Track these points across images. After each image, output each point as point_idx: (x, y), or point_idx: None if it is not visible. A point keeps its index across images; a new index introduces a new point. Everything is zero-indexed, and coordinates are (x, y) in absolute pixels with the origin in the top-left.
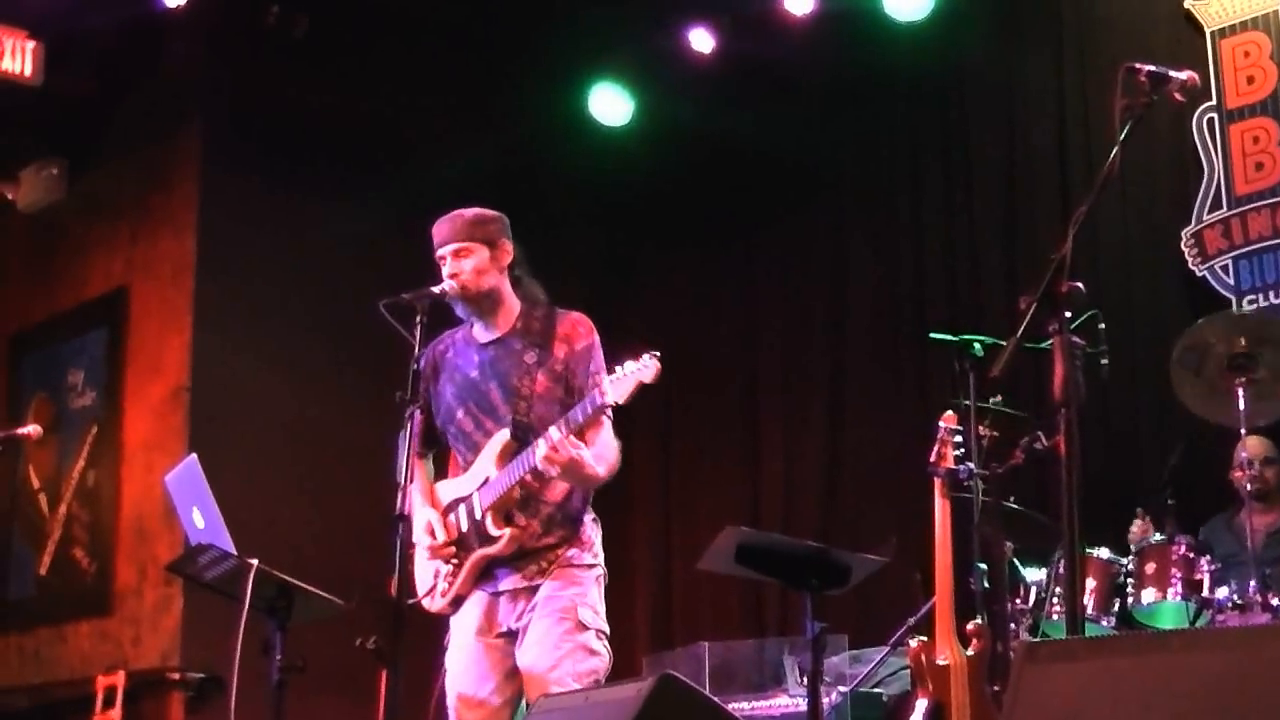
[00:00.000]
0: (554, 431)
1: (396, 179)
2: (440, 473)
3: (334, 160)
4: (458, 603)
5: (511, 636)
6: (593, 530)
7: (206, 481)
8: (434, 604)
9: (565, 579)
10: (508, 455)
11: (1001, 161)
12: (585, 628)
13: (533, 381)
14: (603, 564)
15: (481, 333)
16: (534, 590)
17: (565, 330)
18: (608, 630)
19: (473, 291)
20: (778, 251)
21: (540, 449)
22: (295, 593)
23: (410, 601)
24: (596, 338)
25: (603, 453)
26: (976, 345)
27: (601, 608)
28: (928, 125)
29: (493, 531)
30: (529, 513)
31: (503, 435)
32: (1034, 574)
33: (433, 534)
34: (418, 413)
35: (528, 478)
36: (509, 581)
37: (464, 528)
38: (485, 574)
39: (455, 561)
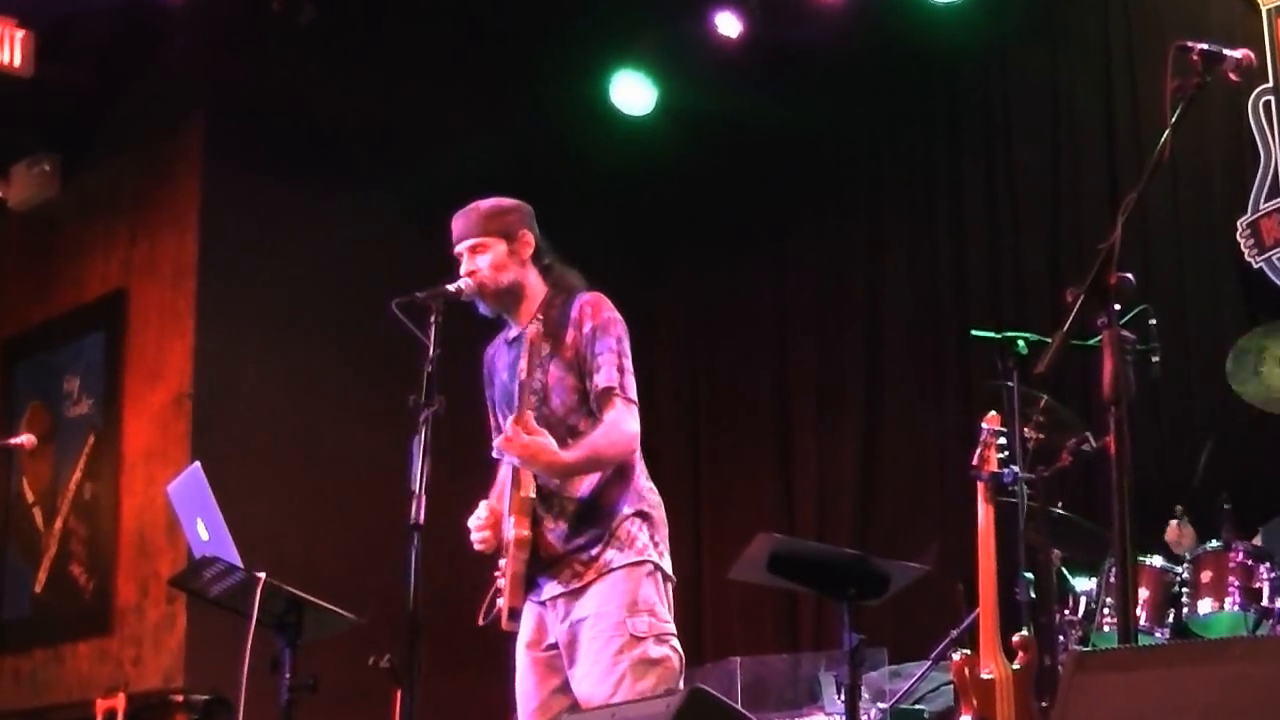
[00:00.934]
0: (507, 422)
1: (409, 173)
2: None
3: (344, 154)
4: (515, 616)
5: (559, 649)
6: (635, 526)
7: (211, 492)
8: (505, 623)
9: (607, 588)
10: None
11: (1046, 147)
12: (639, 639)
13: (545, 374)
14: (654, 556)
15: (510, 329)
16: (574, 596)
17: (576, 315)
18: (671, 628)
19: (490, 289)
20: (810, 245)
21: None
22: (305, 607)
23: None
24: (609, 315)
25: (595, 439)
26: (1020, 342)
27: (660, 605)
28: (967, 110)
29: (508, 536)
30: (554, 512)
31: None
32: (1083, 583)
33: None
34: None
35: (542, 477)
36: (549, 589)
37: (505, 536)
38: (531, 583)
39: (501, 575)
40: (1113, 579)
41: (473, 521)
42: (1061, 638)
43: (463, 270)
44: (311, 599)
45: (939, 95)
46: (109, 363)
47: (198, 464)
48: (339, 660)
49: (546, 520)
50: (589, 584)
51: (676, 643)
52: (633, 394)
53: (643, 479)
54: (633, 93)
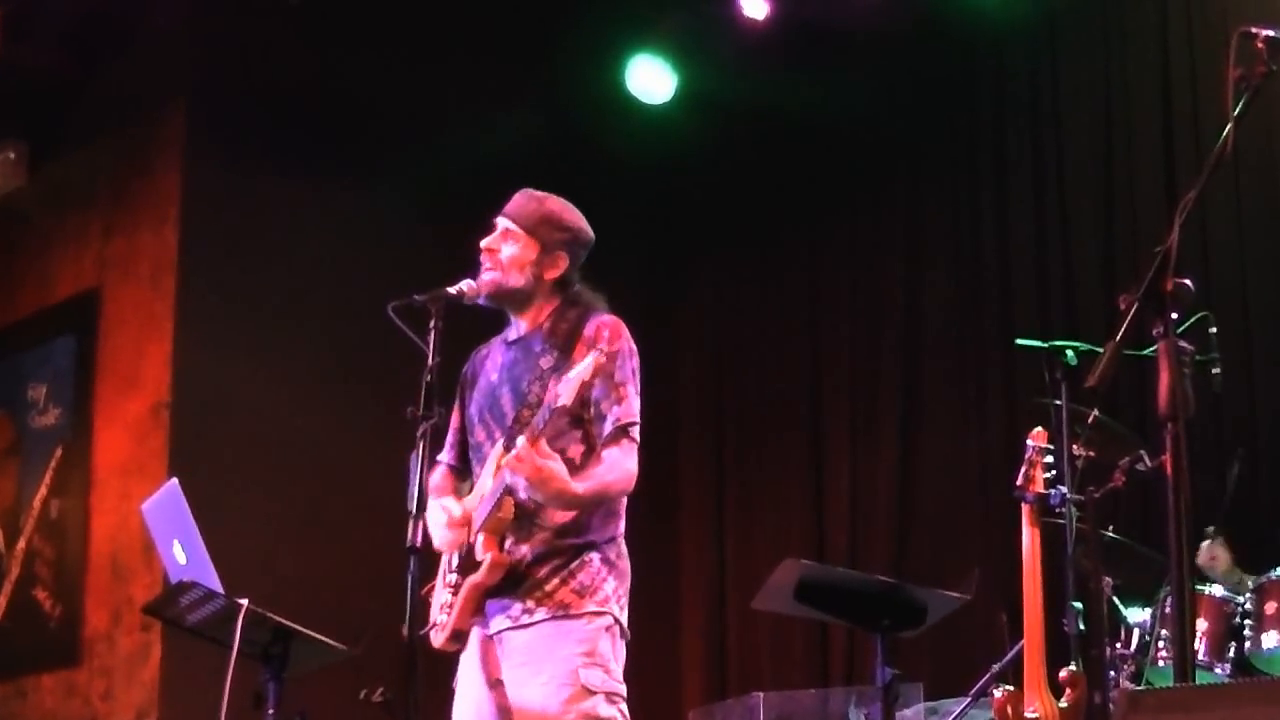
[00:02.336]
0: (521, 440)
1: (410, 165)
2: None
3: (339, 144)
4: (459, 638)
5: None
6: (600, 573)
7: (190, 510)
8: (436, 639)
9: (561, 633)
10: None
11: (1098, 140)
12: (590, 692)
13: (543, 388)
14: (617, 617)
15: (511, 331)
16: (522, 632)
17: (591, 334)
18: (622, 690)
19: (494, 278)
20: (843, 245)
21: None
22: (292, 636)
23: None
24: (624, 344)
25: (603, 474)
26: (1070, 352)
27: (614, 663)
28: (1014, 100)
29: (477, 555)
30: (521, 535)
31: (499, 448)
32: (1137, 614)
33: (449, 512)
34: (453, 425)
35: (521, 495)
36: (496, 622)
37: (463, 552)
38: (481, 609)
39: (452, 590)
40: (1169, 609)
41: (439, 514)
42: (1113, 674)
43: (485, 241)
44: (299, 627)
45: (983, 82)
46: (80, 369)
47: (175, 480)
48: (329, 694)
49: (509, 542)
50: (540, 623)
51: (625, 708)
52: (638, 434)
53: (622, 519)
54: (651, 79)
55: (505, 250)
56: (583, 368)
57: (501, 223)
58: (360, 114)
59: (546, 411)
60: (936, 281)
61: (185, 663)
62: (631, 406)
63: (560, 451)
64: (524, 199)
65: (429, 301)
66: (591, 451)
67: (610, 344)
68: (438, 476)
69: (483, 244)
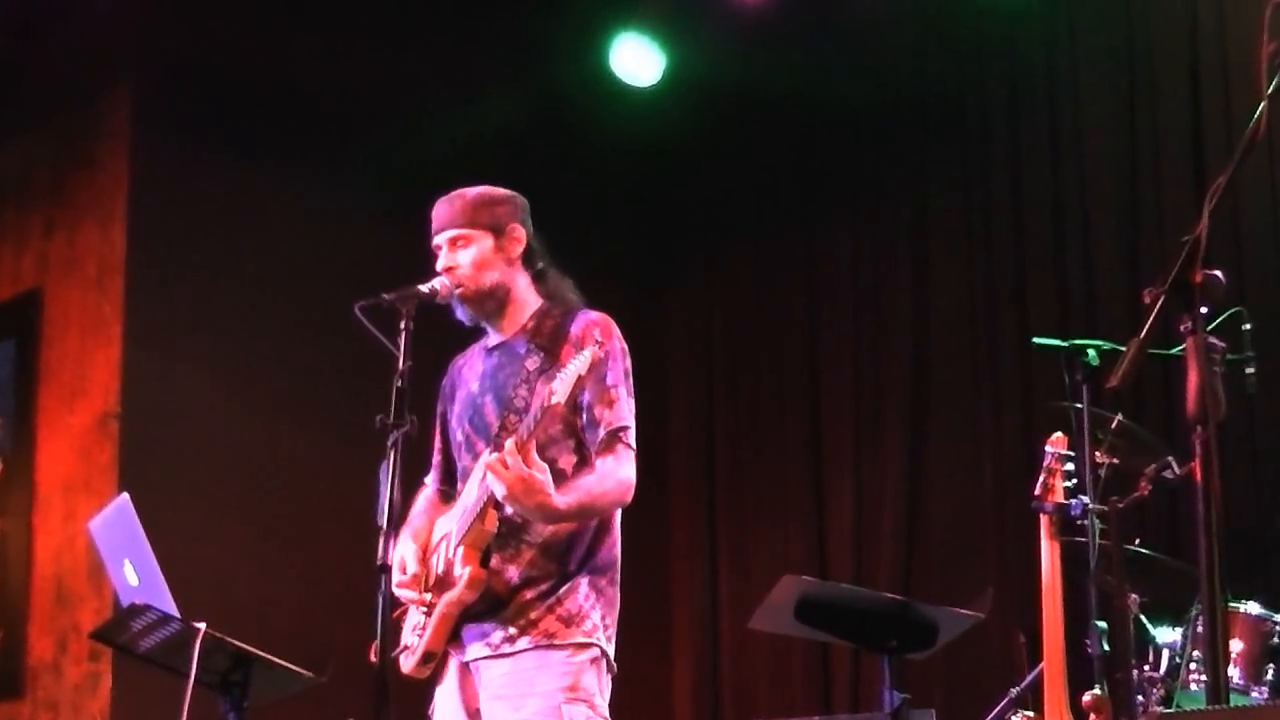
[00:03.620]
0: (509, 443)
1: (379, 154)
2: None
3: (301, 133)
4: (429, 661)
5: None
6: (589, 600)
7: (142, 528)
8: (405, 663)
9: (543, 665)
10: None
11: (1121, 124)
12: None
13: (530, 392)
14: (601, 641)
15: (491, 337)
16: (500, 661)
17: (579, 333)
18: None
19: (471, 290)
20: (845, 238)
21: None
22: (254, 663)
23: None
24: (616, 344)
25: (592, 485)
26: (1091, 351)
27: (600, 698)
28: (1029, 75)
29: (455, 570)
30: (506, 554)
31: (486, 457)
32: (1166, 634)
33: (403, 569)
34: (436, 445)
35: (507, 509)
36: (474, 649)
37: (441, 569)
38: (457, 632)
39: (425, 611)
40: (1201, 628)
41: (395, 572)
42: (1141, 698)
43: (439, 265)
44: (261, 653)
45: (995, 62)
46: (20, 376)
47: (126, 496)
48: None
49: (494, 560)
50: (521, 653)
51: None
52: (633, 439)
53: (618, 543)
54: (638, 60)
55: (462, 256)
56: (578, 363)
57: (441, 239)
58: (325, 100)
59: (538, 411)
60: (946, 276)
61: (137, 694)
62: (624, 410)
63: (551, 461)
64: (446, 206)
65: (398, 301)
66: (585, 463)
67: (602, 344)
68: (421, 501)
69: (439, 268)
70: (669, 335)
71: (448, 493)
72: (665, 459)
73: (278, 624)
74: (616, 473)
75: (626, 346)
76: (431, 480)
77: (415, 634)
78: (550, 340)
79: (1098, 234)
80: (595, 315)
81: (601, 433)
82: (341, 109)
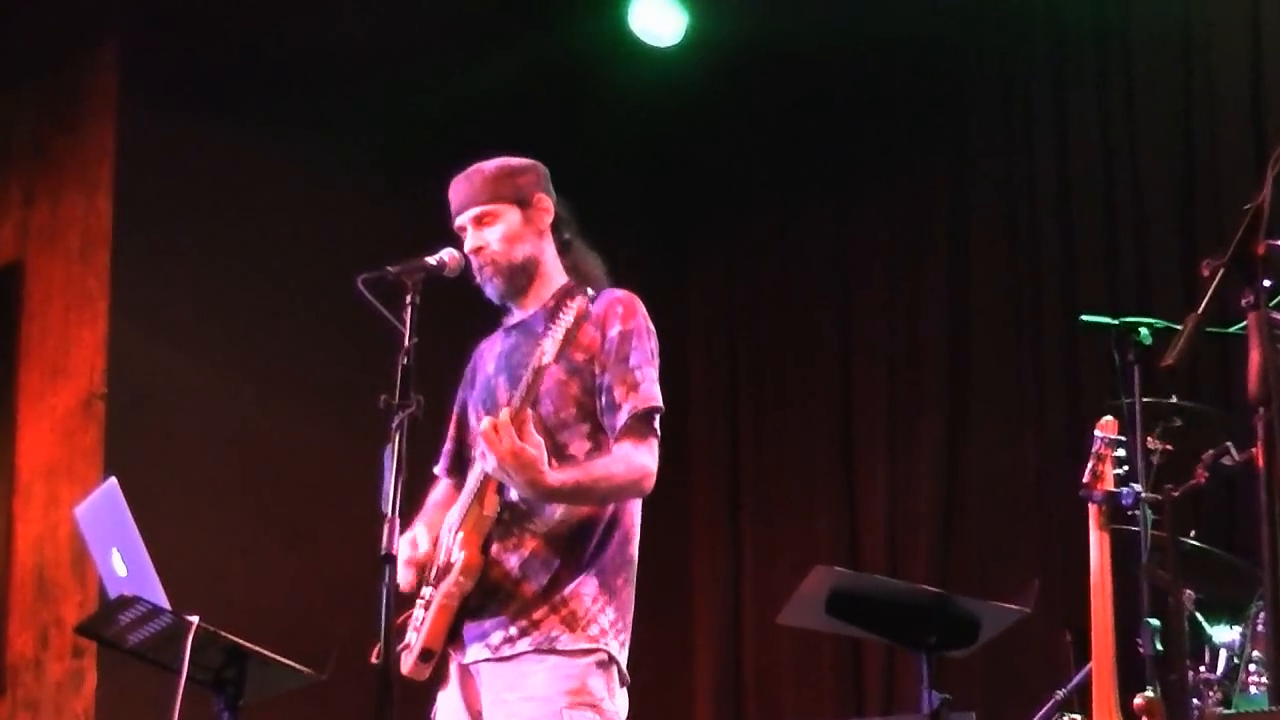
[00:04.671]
0: (503, 412)
1: (381, 119)
2: None
3: (301, 92)
4: (428, 659)
5: None
6: (597, 602)
7: (130, 515)
8: (404, 663)
9: (544, 670)
10: None
11: (1176, 84)
12: None
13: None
14: (611, 646)
15: (513, 315)
16: (500, 665)
17: (601, 311)
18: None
19: (504, 265)
20: (878, 208)
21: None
22: (249, 659)
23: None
24: (641, 322)
25: (597, 467)
26: (1143, 329)
27: (609, 701)
28: (1077, 35)
29: (451, 557)
30: (508, 542)
31: (479, 425)
32: (1223, 633)
33: (414, 545)
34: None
35: (512, 494)
36: (473, 650)
37: (443, 559)
38: (457, 627)
39: (424, 605)
40: (1261, 626)
41: (405, 548)
42: (1196, 700)
43: (467, 246)
44: (257, 649)
45: (1040, 17)
46: None
47: (113, 480)
48: None
49: (495, 548)
50: (521, 655)
51: None
52: (659, 425)
53: (635, 535)
54: (658, 19)
55: (491, 234)
56: (566, 318)
57: (465, 219)
58: (323, 59)
59: (529, 375)
60: (986, 248)
61: (124, 692)
62: (651, 391)
63: (562, 446)
64: (466, 183)
65: (404, 274)
66: (598, 451)
67: (625, 321)
68: (433, 494)
69: (468, 250)
70: (689, 312)
71: (459, 486)
72: (685, 444)
73: (274, 617)
74: (631, 458)
75: (652, 326)
76: (441, 470)
77: (414, 630)
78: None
79: (1151, 203)
80: (620, 293)
81: (623, 417)
82: (342, 69)
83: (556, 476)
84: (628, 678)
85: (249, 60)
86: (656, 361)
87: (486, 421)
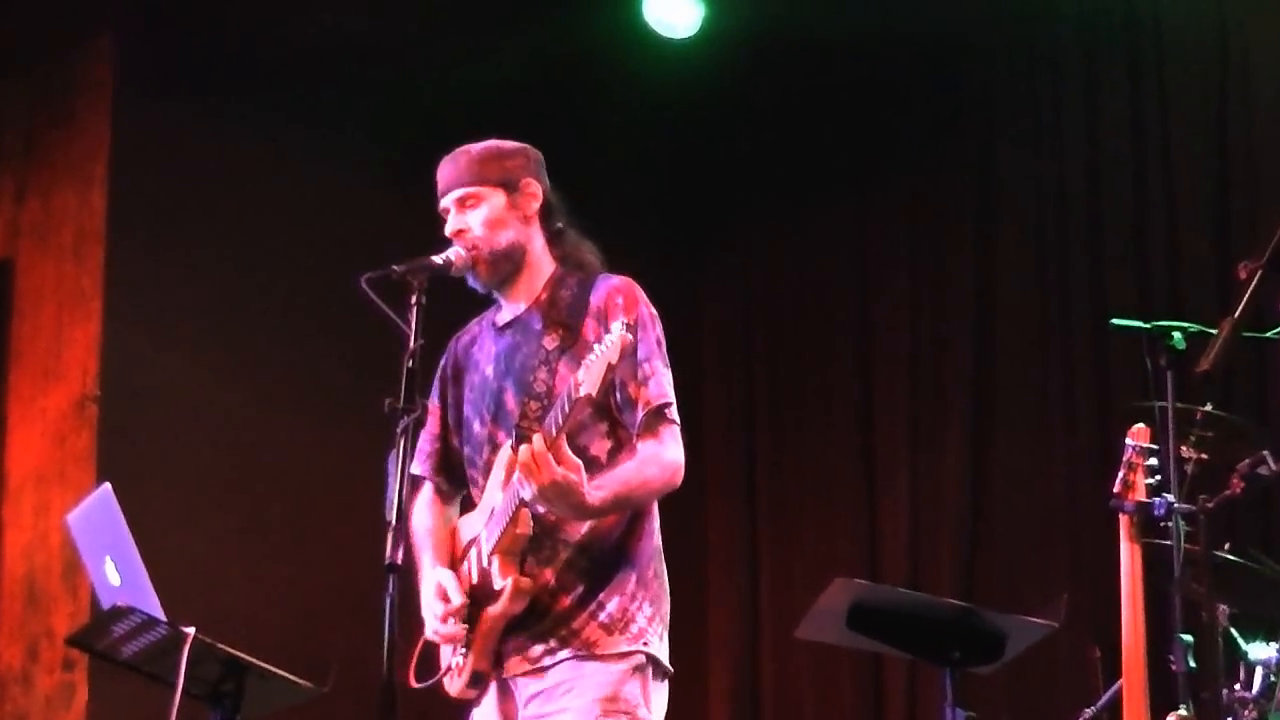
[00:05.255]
0: (537, 440)
1: (386, 112)
2: None
3: (303, 85)
4: (479, 682)
5: None
6: (634, 601)
7: (125, 522)
8: (452, 685)
9: (581, 675)
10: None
11: (1211, 76)
12: None
13: (551, 374)
14: (652, 646)
15: (503, 311)
16: (538, 676)
17: (600, 304)
18: None
19: (485, 253)
20: (901, 202)
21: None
22: (247, 672)
23: (427, 683)
24: (644, 311)
25: (630, 474)
26: (1177, 334)
27: (644, 709)
28: (1107, 20)
29: (495, 583)
30: (541, 555)
31: (507, 451)
32: (1260, 649)
33: (445, 599)
34: (431, 432)
35: (540, 508)
36: (512, 664)
37: (475, 579)
38: (498, 649)
39: (468, 625)
40: None
41: (435, 604)
42: (1230, 719)
43: (448, 229)
44: (255, 661)
45: (1071, 8)
46: None
47: (107, 486)
48: None
49: (529, 562)
50: (559, 664)
51: None
52: (676, 414)
53: (657, 523)
54: (673, 9)
55: (474, 217)
56: (607, 349)
57: (448, 201)
58: (326, 49)
59: (565, 403)
60: (1013, 248)
61: (116, 706)
62: (662, 384)
63: (583, 449)
64: (452, 163)
65: (409, 273)
66: (621, 446)
67: (627, 310)
68: (422, 501)
69: (448, 233)
70: (703, 311)
71: (447, 491)
72: (700, 449)
73: (274, 629)
74: (661, 456)
75: (655, 312)
76: (424, 472)
77: (459, 653)
78: (569, 314)
79: (1184, 202)
80: (617, 280)
81: (640, 413)
82: (346, 61)
83: (596, 495)
84: (670, 668)
85: (249, 51)
86: (663, 350)
87: (525, 451)
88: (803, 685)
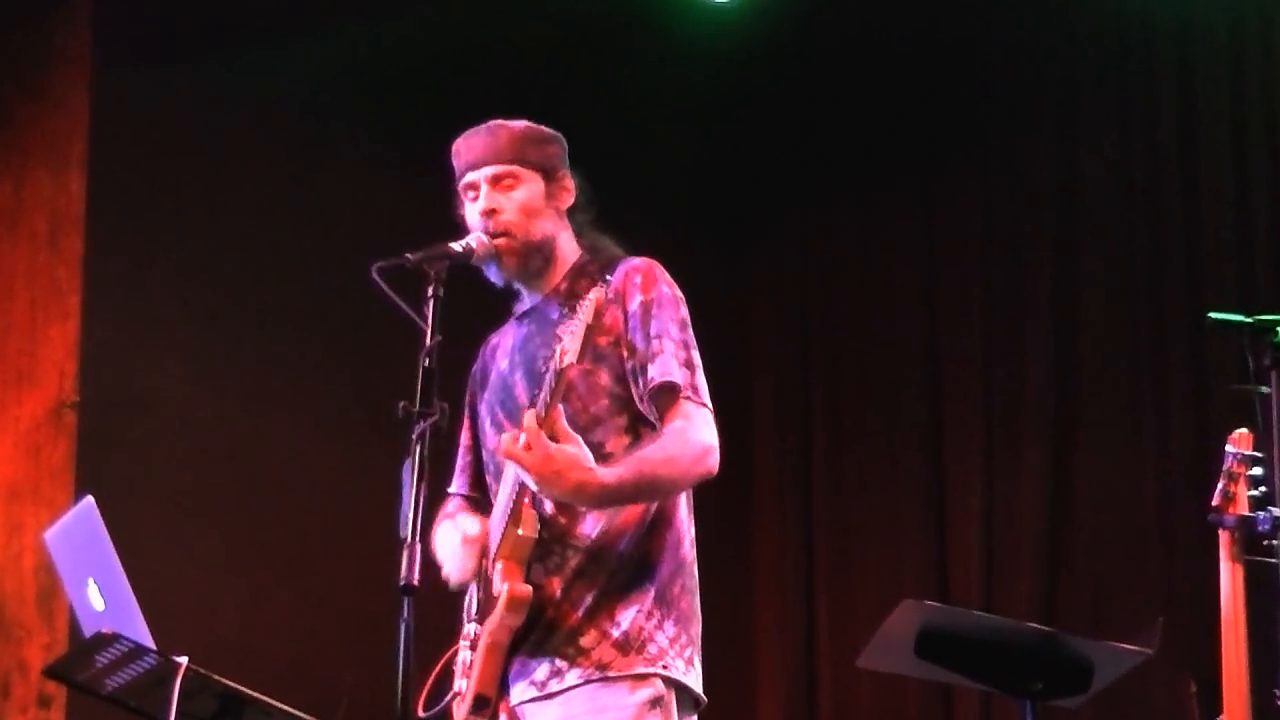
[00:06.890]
0: (528, 417)
1: (396, 86)
2: None
3: (301, 59)
4: (483, 707)
5: None
6: (657, 620)
7: (109, 541)
8: (458, 713)
9: (590, 702)
10: None
11: None
12: None
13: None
14: (674, 670)
15: (523, 302)
16: (546, 703)
17: (620, 284)
18: None
19: (519, 242)
20: (973, 190)
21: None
22: (246, 706)
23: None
24: (666, 289)
25: (651, 452)
26: None
27: None
28: (1205, 4)
29: (494, 589)
30: (549, 563)
31: (507, 439)
32: None
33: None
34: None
35: (548, 508)
36: (518, 690)
37: (480, 592)
38: (506, 675)
39: (470, 645)
40: None
41: (451, 535)
42: None
43: (481, 206)
44: (255, 694)
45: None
46: None
47: (90, 500)
48: None
49: (535, 570)
50: (570, 690)
51: None
52: (706, 395)
53: (687, 532)
54: None
55: (512, 200)
56: (584, 311)
57: (478, 176)
58: (325, 17)
59: (551, 377)
60: (1100, 239)
61: None
62: (671, 362)
63: (597, 446)
64: (483, 138)
65: (425, 262)
66: (641, 445)
67: (645, 290)
68: (450, 509)
69: (483, 209)
70: (754, 309)
71: (478, 500)
72: (749, 459)
73: (274, 658)
74: (686, 434)
75: (679, 293)
76: (457, 488)
77: (464, 673)
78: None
79: None
80: (637, 261)
81: (653, 389)
82: (346, 31)
83: (611, 474)
84: (702, 697)
85: (244, 18)
86: (688, 332)
87: (507, 437)
88: (865, 718)
